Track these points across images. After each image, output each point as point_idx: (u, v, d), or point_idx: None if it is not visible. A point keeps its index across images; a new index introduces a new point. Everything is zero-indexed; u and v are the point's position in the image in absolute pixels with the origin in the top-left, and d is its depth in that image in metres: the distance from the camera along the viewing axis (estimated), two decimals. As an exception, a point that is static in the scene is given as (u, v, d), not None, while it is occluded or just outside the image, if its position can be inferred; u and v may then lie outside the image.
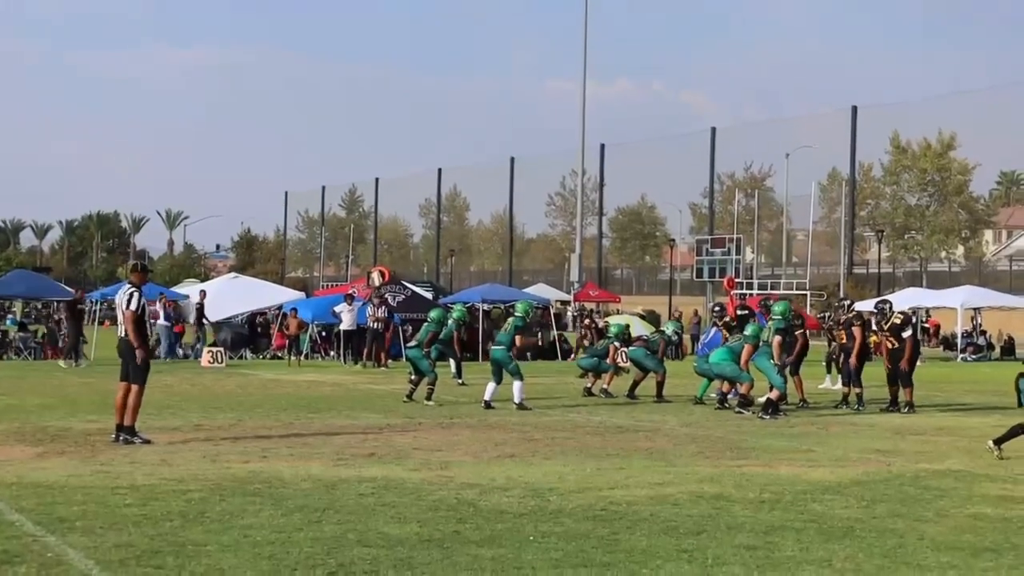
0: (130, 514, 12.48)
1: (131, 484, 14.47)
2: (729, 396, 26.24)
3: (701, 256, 79.70)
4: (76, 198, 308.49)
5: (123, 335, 19.11)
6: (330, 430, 21.13)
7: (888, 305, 27.93)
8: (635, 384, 29.09)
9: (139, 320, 19.24)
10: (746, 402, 25.33)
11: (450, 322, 29.73)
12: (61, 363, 40.68)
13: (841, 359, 28.64)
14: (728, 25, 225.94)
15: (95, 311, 49.91)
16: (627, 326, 32.98)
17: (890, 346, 26.57)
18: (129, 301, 19.03)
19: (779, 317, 25.62)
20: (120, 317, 19.28)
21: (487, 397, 25.77)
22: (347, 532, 11.68)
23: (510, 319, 27.18)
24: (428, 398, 26.49)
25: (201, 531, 11.64)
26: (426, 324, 28.87)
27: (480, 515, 12.69)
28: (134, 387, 18.90)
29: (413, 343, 28.65)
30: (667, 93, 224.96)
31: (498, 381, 26.08)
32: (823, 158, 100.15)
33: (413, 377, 27.44)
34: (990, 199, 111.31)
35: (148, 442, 18.58)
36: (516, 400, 25.63)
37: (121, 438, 18.70)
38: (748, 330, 25.98)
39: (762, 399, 25.03)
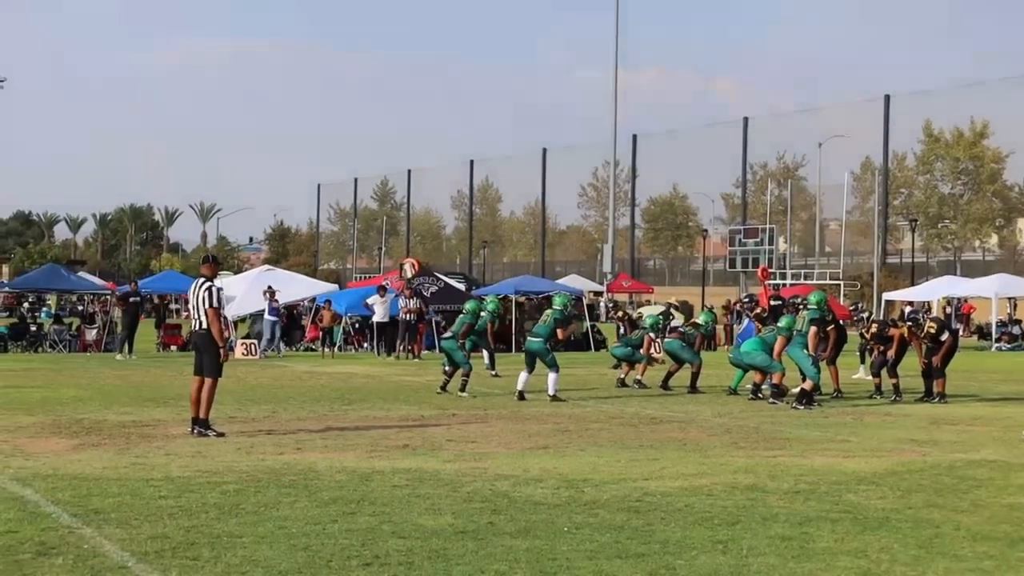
0: (165, 506, 12.52)
1: (166, 476, 14.52)
2: (763, 387, 26.18)
3: (734, 246, 79.59)
4: (109, 192, 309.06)
5: (197, 328, 19.13)
6: (364, 422, 21.16)
7: (921, 315, 28.04)
8: (669, 375, 29.06)
9: (219, 315, 19.14)
10: (779, 392, 25.27)
11: (484, 313, 29.80)
12: (118, 356, 40.87)
13: (874, 352, 28.53)
14: (760, 13, 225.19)
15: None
16: (662, 317, 32.85)
17: (924, 346, 26.71)
18: (209, 297, 18.91)
19: (814, 307, 25.53)
20: (194, 311, 19.23)
21: (519, 387, 25.81)
22: (382, 524, 11.69)
23: (548, 311, 27.18)
24: (463, 389, 26.50)
25: (236, 523, 11.67)
26: (461, 315, 28.93)
27: (514, 506, 12.69)
28: (208, 380, 18.89)
29: (448, 334, 28.65)
30: (698, 82, 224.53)
31: (530, 371, 26.12)
32: (856, 147, 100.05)
33: (447, 368, 27.47)
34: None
35: (222, 435, 18.60)
36: (550, 392, 25.62)
37: (196, 431, 18.72)
38: (782, 321, 25.95)
39: (796, 389, 24.98)
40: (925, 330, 27.07)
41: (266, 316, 44.49)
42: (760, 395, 26.01)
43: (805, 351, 24.90)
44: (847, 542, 11.10)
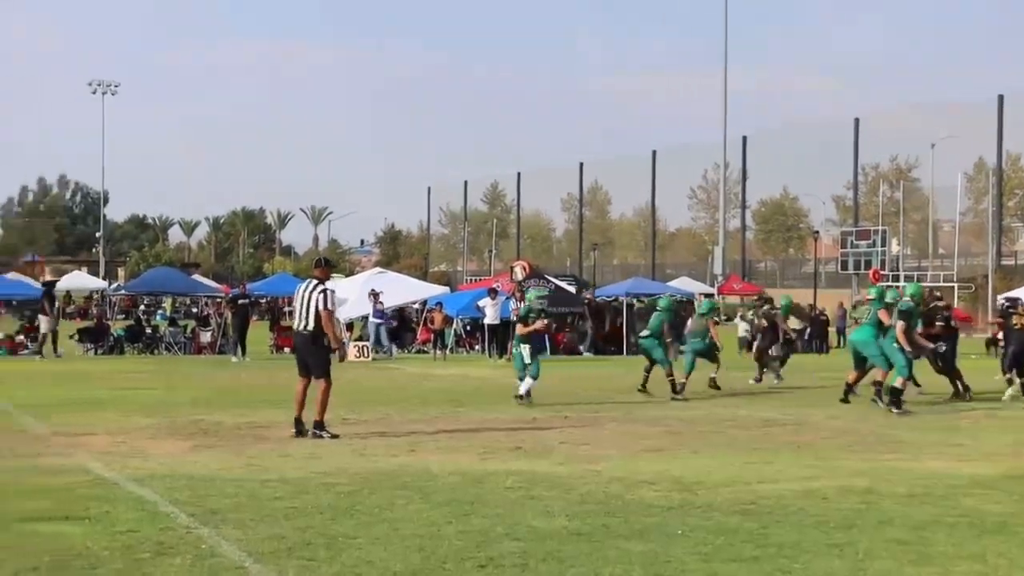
0: (280, 507, 12.63)
1: (281, 477, 14.64)
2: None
3: (846, 248, 79.08)
4: (223, 196, 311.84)
5: (301, 329, 19.15)
6: (476, 424, 21.23)
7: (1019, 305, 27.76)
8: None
9: (332, 317, 19.21)
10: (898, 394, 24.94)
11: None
12: (233, 358, 41.36)
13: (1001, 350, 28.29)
14: (868, 13, 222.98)
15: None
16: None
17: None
18: (324, 299, 18.89)
19: (907, 299, 25.05)
20: (300, 312, 19.18)
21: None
22: (495, 525, 11.72)
23: (655, 313, 27.47)
24: (675, 391, 26.89)
25: (351, 524, 11.75)
26: (656, 313, 28.70)
27: (628, 509, 12.68)
28: (321, 383, 18.89)
29: (645, 332, 28.63)
30: (809, 82, 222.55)
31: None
32: (969, 148, 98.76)
33: (647, 366, 27.71)
34: None
35: (336, 437, 18.68)
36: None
37: (310, 433, 18.78)
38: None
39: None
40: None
41: (371, 319, 44.93)
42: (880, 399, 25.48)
43: (895, 344, 24.31)
44: (964, 547, 10.98)
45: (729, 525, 11.83)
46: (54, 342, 43.15)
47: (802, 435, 20.02)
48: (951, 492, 13.95)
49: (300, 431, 18.93)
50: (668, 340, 27.53)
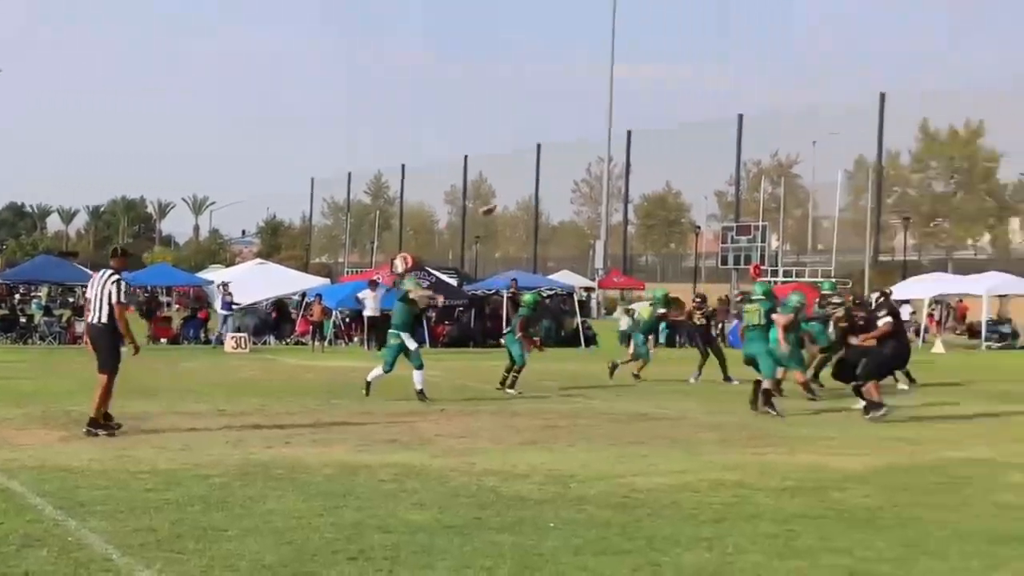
0: (152, 499, 12.51)
1: (153, 469, 14.50)
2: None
3: (726, 243, 79.65)
4: (103, 184, 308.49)
5: (95, 322, 18.22)
6: (353, 416, 21.14)
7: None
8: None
9: (125, 310, 18.30)
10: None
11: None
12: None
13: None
14: (756, 10, 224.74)
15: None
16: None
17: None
18: (117, 290, 18.03)
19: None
20: (94, 303, 18.24)
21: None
22: (368, 518, 11.68)
23: (520, 309, 27.81)
24: (510, 385, 26.71)
25: (223, 516, 11.66)
26: (520, 308, 28.77)
27: (501, 502, 12.70)
28: (103, 377, 18.10)
29: (507, 329, 28.67)
30: (694, 79, 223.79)
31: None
32: (851, 145, 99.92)
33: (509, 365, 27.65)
34: (1017, 187, 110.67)
35: (112, 434, 17.74)
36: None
37: (85, 431, 17.86)
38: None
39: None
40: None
41: (219, 310, 45.27)
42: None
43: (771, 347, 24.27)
44: (833, 540, 11.10)
45: (601, 518, 11.87)
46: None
47: (678, 430, 20.12)
48: (821, 486, 14.09)
49: (105, 427, 18.06)
50: (519, 336, 27.39)
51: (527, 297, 29.05)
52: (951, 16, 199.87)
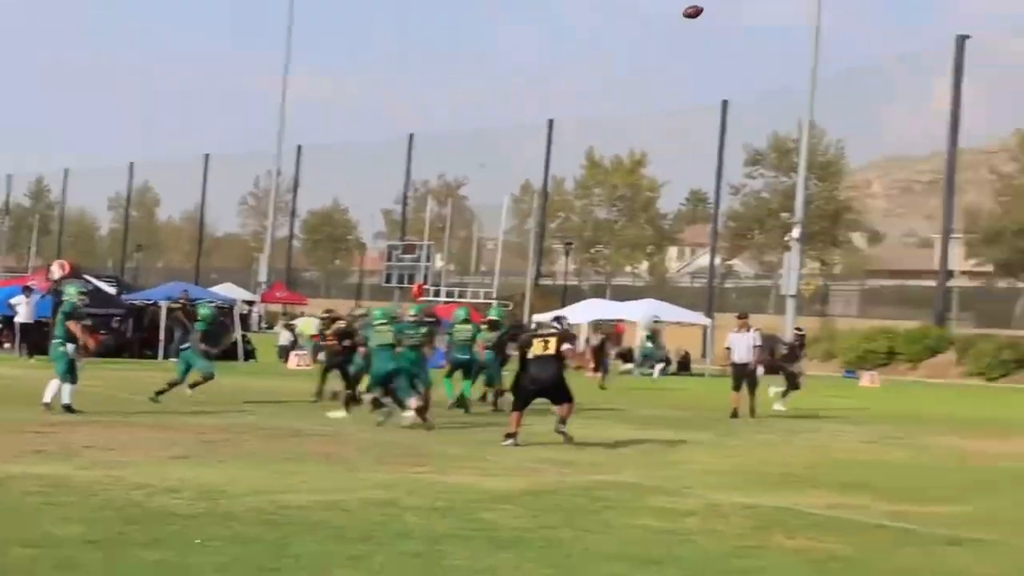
0: None
1: None
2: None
3: (391, 261, 79.95)
4: None
5: None
6: (0, 426, 20.55)
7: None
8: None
9: None
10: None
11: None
12: None
13: None
14: (433, 31, 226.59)
15: None
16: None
17: None
18: None
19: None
20: None
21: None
22: (9, 532, 11.35)
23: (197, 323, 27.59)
24: (158, 392, 26.58)
25: None
26: (197, 322, 28.42)
27: (148, 516, 12.50)
28: None
29: (186, 345, 28.33)
30: (367, 97, 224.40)
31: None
32: (519, 170, 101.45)
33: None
34: (677, 217, 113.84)
35: None
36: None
37: None
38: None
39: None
40: None
41: None
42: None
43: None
44: (480, 560, 11.22)
45: (249, 535, 11.78)
46: None
47: (334, 447, 20.12)
48: (471, 506, 14.24)
49: None
50: (203, 348, 27.26)
51: (203, 311, 28.68)
52: (632, 49, 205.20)
